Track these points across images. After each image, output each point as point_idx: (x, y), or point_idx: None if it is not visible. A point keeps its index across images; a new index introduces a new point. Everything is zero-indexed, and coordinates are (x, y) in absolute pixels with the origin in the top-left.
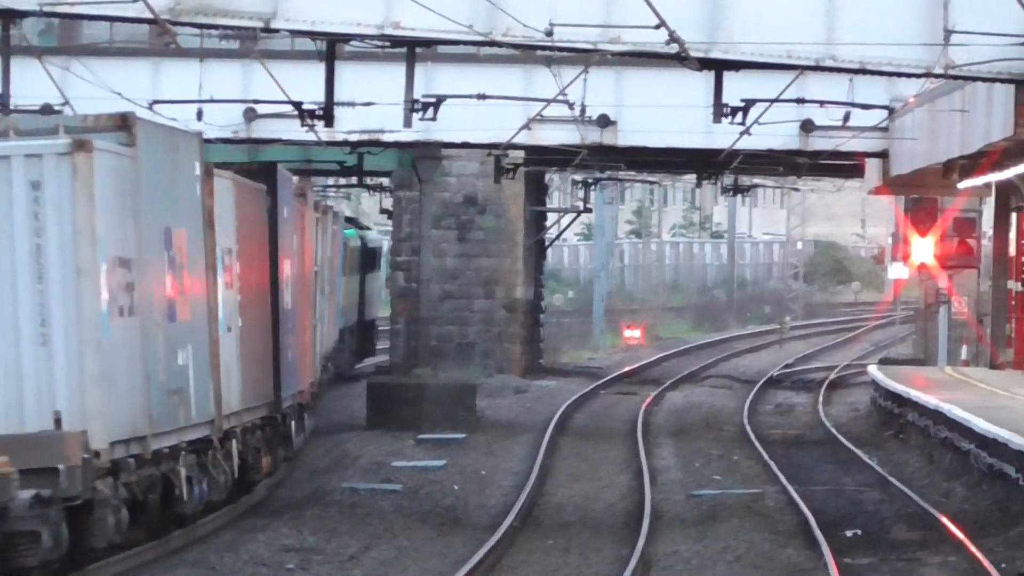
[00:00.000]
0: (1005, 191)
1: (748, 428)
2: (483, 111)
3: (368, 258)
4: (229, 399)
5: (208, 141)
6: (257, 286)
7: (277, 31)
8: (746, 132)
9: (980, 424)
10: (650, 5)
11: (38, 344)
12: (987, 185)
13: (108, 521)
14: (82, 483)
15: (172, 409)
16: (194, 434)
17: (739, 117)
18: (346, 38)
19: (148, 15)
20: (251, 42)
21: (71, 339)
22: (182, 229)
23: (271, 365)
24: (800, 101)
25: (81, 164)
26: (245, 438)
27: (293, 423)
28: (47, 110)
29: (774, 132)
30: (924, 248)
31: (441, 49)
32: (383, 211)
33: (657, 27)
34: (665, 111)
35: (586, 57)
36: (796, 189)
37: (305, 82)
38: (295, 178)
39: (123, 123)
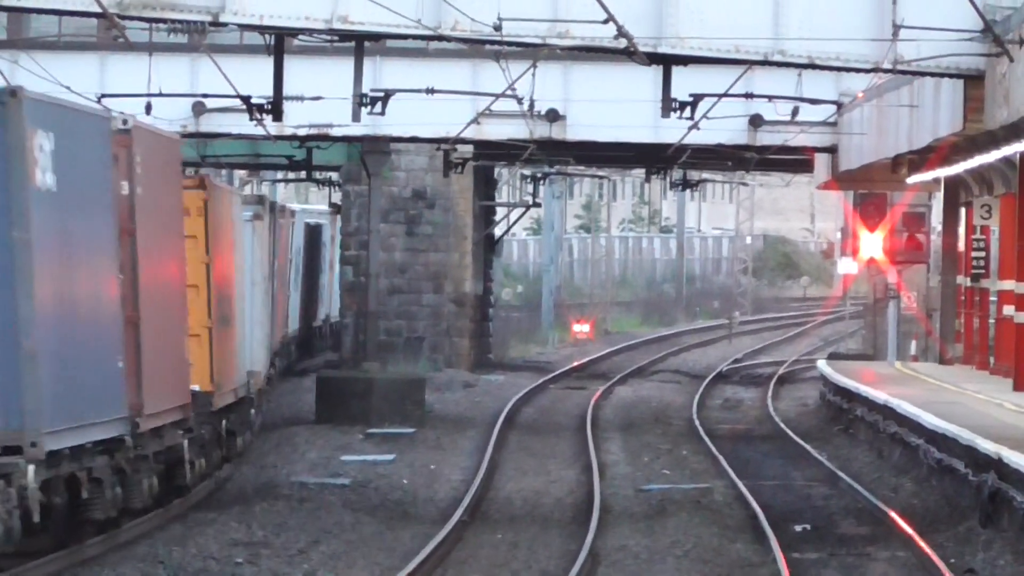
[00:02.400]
0: (954, 186)
1: (697, 423)
2: (432, 105)
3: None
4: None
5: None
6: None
7: (225, 25)
8: (695, 127)
9: (929, 419)
10: (598, 0)
11: None
12: (936, 180)
13: None
14: None
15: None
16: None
17: (687, 112)
18: (294, 32)
19: (96, 9)
20: (199, 36)
21: None
22: None
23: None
24: (748, 96)
25: None
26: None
27: (224, 422)
28: None
29: (723, 127)
30: (873, 243)
31: (389, 43)
32: (331, 205)
33: (605, 22)
34: (614, 106)
35: (534, 52)
36: (745, 184)
37: (254, 76)
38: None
39: None
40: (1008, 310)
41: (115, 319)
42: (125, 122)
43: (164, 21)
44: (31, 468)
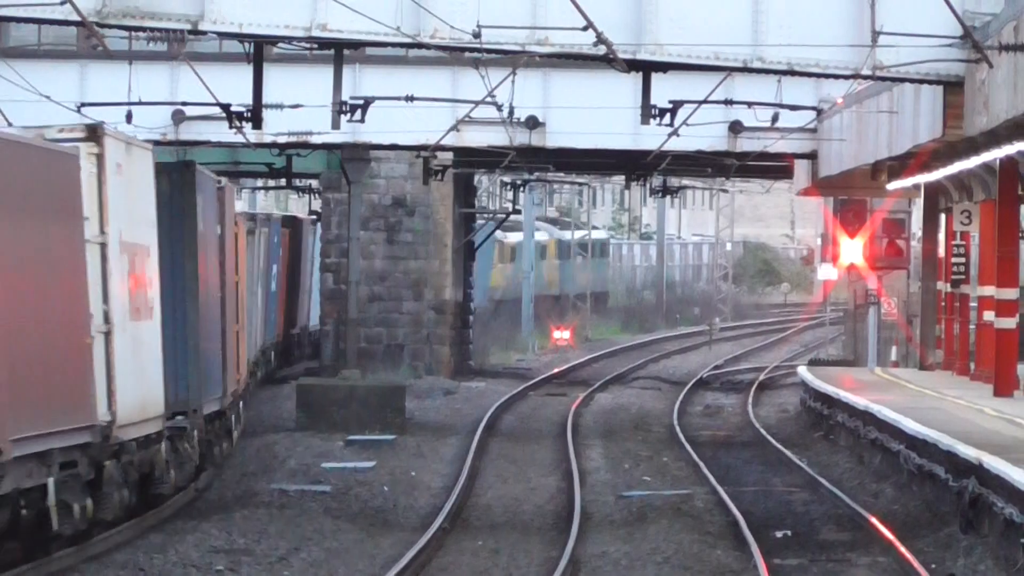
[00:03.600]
0: (933, 192)
1: (678, 429)
2: (411, 113)
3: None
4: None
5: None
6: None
7: (204, 33)
8: (674, 133)
9: (910, 425)
10: (577, 7)
11: None
12: (916, 186)
13: None
14: None
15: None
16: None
17: (667, 118)
18: (273, 40)
19: (75, 17)
20: (179, 44)
21: None
22: None
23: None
24: (728, 102)
25: None
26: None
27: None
28: None
29: (702, 133)
30: (853, 249)
31: (369, 51)
32: (312, 213)
33: (584, 29)
34: (593, 113)
35: (514, 59)
36: (725, 190)
37: (233, 84)
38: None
39: None
40: (988, 316)
41: None
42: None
43: (143, 30)
44: None
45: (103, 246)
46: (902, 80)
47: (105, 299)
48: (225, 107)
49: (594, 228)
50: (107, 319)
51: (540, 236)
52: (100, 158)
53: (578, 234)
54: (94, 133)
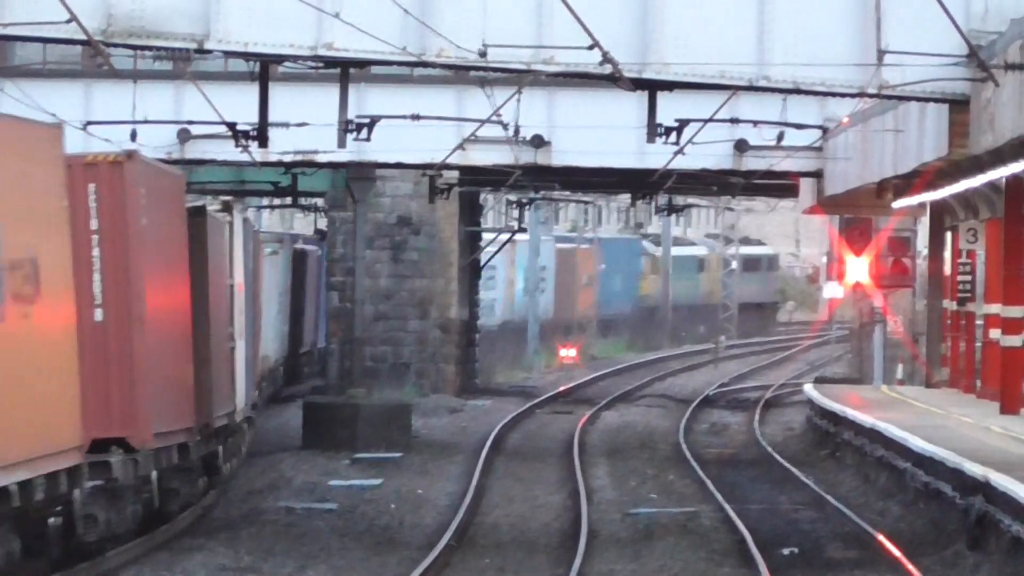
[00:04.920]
0: (939, 211)
1: (684, 447)
2: (417, 132)
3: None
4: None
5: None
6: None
7: (210, 52)
8: (680, 152)
9: (916, 443)
10: (583, 25)
11: None
12: (921, 205)
13: None
14: None
15: None
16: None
17: (673, 137)
18: (279, 59)
19: (81, 36)
20: (184, 63)
21: None
22: None
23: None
24: (734, 121)
25: None
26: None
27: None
28: None
29: (708, 152)
30: (859, 267)
31: (374, 70)
32: (317, 231)
33: (590, 48)
34: (599, 131)
35: (519, 78)
36: (730, 209)
37: (239, 103)
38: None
39: None
40: (994, 334)
41: None
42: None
43: (149, 48)
44: None
45: (232, 287)
46: (908, 99)
47: (231, 323)
48: (231, 126)
49: (759, 243)
50: (232, 337)
51: (700, 251)
52: (231, 224)
53: (745, 249)
54: (228, 205)
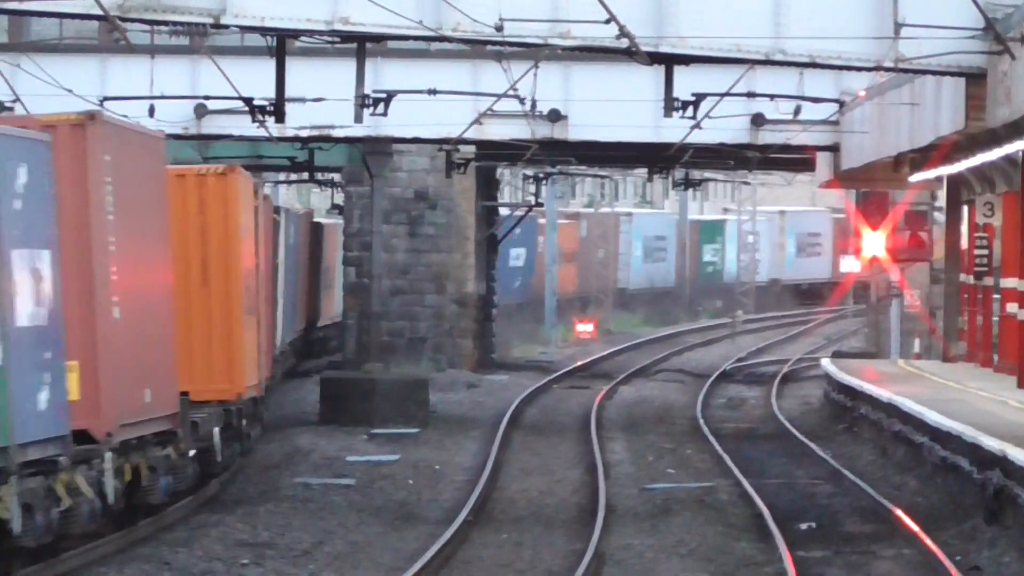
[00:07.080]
0: (956, 184)
1: (701, 422)
2: (433, 106)
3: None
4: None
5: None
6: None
7: (227, 27)
8: (697, 126)
9: (933, 417)
10: (599, 0)
11: None
12: (938, 178)
13: None
14: None
15: None
16: None
17: (689, 111)
18: (295, 34)
19: (98, 11)
20: (201, 38)
21: None
22: None
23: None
24: (750, 95)
25: None
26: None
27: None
28: None
29: (724, 126)
30: (875, 241)
31: (391, 44)
32: (334, 206)
33: (607, 22)
34: (615, 106)
35: (536, 52)
36: (747, 183)
37: (255, 78)
38: None
39: None
40: (1011, 308)
41: None
42: None
43: (165, 23)
44: None
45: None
46: (924, 72)
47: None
48: (247, 101)
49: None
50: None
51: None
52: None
53: None
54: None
